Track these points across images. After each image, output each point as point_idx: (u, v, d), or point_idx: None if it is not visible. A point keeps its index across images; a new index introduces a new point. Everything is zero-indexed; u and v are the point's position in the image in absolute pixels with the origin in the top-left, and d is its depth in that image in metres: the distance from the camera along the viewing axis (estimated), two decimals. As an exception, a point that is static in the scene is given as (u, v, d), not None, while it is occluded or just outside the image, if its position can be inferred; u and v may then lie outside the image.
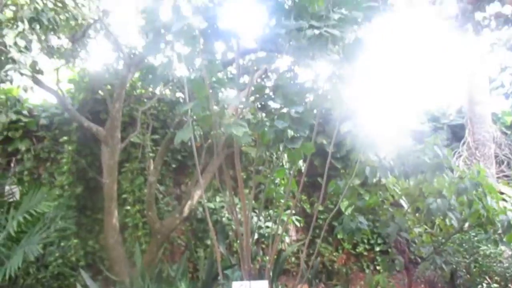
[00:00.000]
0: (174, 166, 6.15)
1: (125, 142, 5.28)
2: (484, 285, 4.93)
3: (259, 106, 4.87)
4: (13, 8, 4.81)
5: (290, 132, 3.90)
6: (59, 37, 5.60)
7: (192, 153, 3.98)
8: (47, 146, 6.06)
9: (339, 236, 6.32)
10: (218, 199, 5.86)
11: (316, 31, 3.21)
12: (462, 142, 6.60)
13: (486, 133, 6.46)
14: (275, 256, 4.77)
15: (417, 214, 5.04)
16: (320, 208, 5.71)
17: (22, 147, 6.05)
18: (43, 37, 4.71)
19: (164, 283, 4.47)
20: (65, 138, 5.90)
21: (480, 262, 4.69)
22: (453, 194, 4.15)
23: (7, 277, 4.19)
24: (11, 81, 3.22)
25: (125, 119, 5.58)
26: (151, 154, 5.55)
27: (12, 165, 5.90)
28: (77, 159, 5.80)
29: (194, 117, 3.87)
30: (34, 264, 4.81)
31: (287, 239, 5.95)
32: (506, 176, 6.88)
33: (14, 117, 5.56)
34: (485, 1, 4.54)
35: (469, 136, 6.55)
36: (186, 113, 3.71)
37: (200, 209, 5.82)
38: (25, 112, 6.16)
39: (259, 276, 4.28)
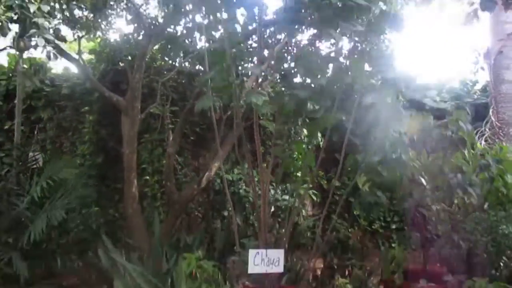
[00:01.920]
0: (192, 138, 6.18)
1: (144, 112, 5.32)
2: (501, 264, 4.89)
3: (279, 78, 4.83)
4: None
5: (310, 106, 3.88)
6: (80, 8, 5.61)
7: (211, 126, 4.01)
8: (69, 115, 6.17)
9: (355, 212, 6.35)
10: (235, 171, 5.90)
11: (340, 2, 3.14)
12: (485, 121, 6.44)
13: (511, 112, 6.29)
14: (291, 229, 4.80)
15: (436, 193, 5.01)
16: (337, 183, 5.68)
17: (45, 115, 6.17)
18: (65, 7, 4.73)
19: (181, 251, 4.56)
20: (86, 108, 5.99)
21: (499, 241, 4.64)
22: (473, 171, 4.09)
23: (31, 240, 4.35)
24: (35, 47, 3.25)
25: (144, 90, 5.60)
26: (170, 126, 5.60)
27: (35, 132, 6.03)
28: (98, 129, 5.90)
29: (214, 88, 3.85)
30: (56, 229, 4.94)
31: (303, 213, 5.98)
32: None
33: (38, 83, 5.63)
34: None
35: (492, 115, 6.39)
36: (206, 85, 3.72)
37: (218, 180, 5.86)
38: (47, 81, 6.25)
39: (275, 247, 4.33)
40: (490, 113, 6.48)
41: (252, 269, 3.40)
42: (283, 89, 4.40)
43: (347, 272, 4.64)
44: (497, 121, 6.23)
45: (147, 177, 5.73)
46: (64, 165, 4.84)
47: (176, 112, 5.94)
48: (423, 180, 4.70)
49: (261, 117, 5.51)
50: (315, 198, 5.84)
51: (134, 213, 5.10)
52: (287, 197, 5.21)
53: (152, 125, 5.91)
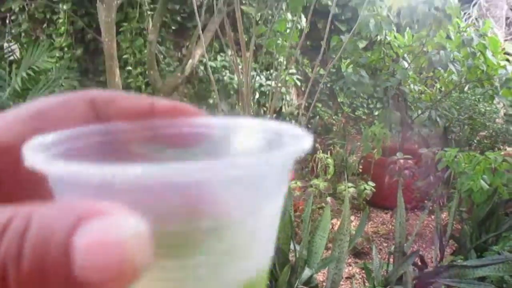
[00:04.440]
0: (174, 28, 5.99)
1: (121, -2, 5.08)
2: (475, 142, 5.14)
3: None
4: None
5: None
6: None
7: (192, 14, 3.88)
8: (41, 5, 5.86)
9: (340, 100, 6.48)
10: (219, 58, 5.82)
11: None
12: (473, 3, 6.29)
13: (500, -7, 6.14)
14: (275, 115, 4.90)
15: (419, 75, 5.07)
16: (322, 72, 5.70)
17: (16, 7, 5.85)
18: None
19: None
20: (58, -4, 5.68)
21: (474, 119, 4.83)
22: (456, 47, 4.10)
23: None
24: None
25: (119, -25, 5.27)
26: (149, 13, 5.39)
27: (7, 21, 5.75)
28: (74, 19, 5.66)
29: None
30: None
31: (287, 98, 6.05)
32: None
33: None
34: None
35: (481, -4, 6.24)
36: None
37: (202, 67, 5.82)
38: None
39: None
40: (479, -6, 6.32)
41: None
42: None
43: (329, 153, 4.85)
44: (485, 2, 6.08)
45: (130, 68, 5.65)
46: (42, 53, 4.70)
47: (154, -2, 5.68)
48: (405, 62, 4.73)
49: (243, 1, 5.33)
50: (299, 83, 5.88)
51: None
52: (270, 82, 5.22)
53: (130, 14, 5.67)
